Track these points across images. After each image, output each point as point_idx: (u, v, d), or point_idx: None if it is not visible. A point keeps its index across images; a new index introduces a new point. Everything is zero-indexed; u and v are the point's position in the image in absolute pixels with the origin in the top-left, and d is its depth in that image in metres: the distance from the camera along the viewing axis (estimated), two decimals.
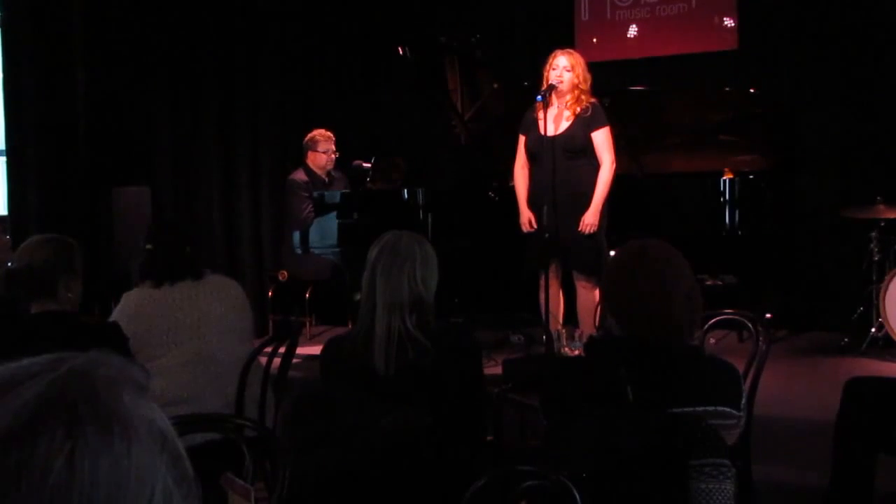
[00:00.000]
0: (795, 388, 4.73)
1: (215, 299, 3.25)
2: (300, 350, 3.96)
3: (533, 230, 4.95)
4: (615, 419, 2.03)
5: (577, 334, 3.43)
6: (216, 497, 1.80)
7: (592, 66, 5.07)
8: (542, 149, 4.81)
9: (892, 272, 5.29)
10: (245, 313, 3.38)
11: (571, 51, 5.03)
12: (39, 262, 2.85)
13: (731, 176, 5.60)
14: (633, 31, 6.96)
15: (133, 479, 0.67)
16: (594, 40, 7.02)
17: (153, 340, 3.14)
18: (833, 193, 6.06)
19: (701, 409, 2.08)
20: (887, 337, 5.30)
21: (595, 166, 4.87)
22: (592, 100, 4.90)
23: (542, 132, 4.79)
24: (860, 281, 5.60)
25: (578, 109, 4.85)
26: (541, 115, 4.76)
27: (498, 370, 3.93)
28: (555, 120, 4.89)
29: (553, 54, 4.90)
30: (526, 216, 4.98)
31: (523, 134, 5.03)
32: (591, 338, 2.68)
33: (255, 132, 6.78)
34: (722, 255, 5.81)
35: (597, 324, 4.25)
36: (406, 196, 5.50)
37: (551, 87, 4.82)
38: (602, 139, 4.86)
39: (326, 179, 6.21)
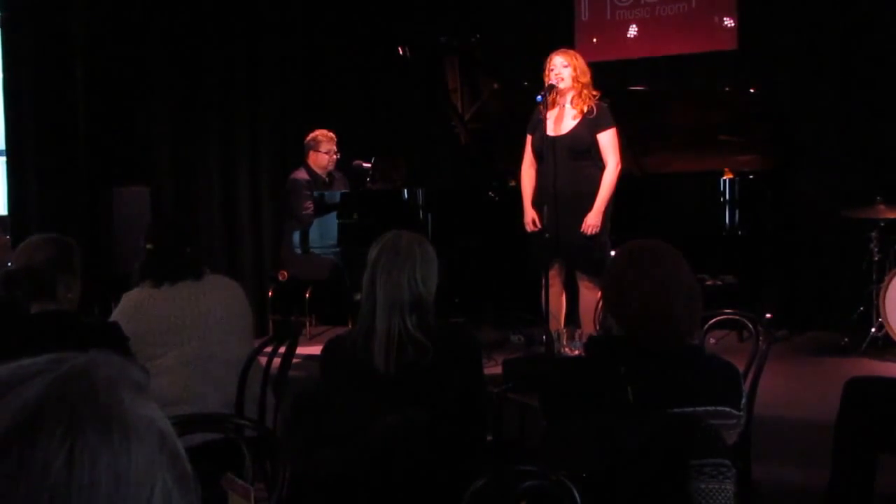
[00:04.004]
0: (795, 388, 4.73)
1: (215, 299, 3.24)
2: (300, 350, 3.95)
3: (536, 230, 4.95)
4: (615, 419, 2.03)
5: (577, 334, 3.42)
6: (216, 497, 1.80)
7: (592, 67, 5.07)
8: (546, 148, 4.82)
9: (892, 272, 5.29)
10: (245, 313, 3.38)
11: (566, 49, 5.04)
12: (39, 262, 2.84)
13: (731, 176, 5.60)
14: (633, 31, 6.96)
15: (132, 478, 0.67)
16: (594, 40, 7.02)
17: (153, 340, 3.13)
18: (833, 193, 6.06)
19: (701, 408, 2.08)
20: (887, 337, 5.30)
21: (599, 167, 4.86)
22: (596, 94, 4.88)
23: (546, 132, 4.80)
24: (860, 281, 5.60)
25: (585, 108, 4.84)
26: (543, 115, 4.77)
27: (498, 370, 3.92)
28: (561, 120, 4.89)
29: (549, 58, 4.91)
30: (530, 216, 4.98)
31: (530, 133, 5.03)
32: (591, 338, 2.67)
33: (256, 132, 6.78)
34: (722, 255, 5.81)
35: (597, 324, 4.24)
36: (406, 196, 5.50)
37: (551, 87, 4.83)
38: (608, 140, 4.85)
39: (327, 179, 6.22)
